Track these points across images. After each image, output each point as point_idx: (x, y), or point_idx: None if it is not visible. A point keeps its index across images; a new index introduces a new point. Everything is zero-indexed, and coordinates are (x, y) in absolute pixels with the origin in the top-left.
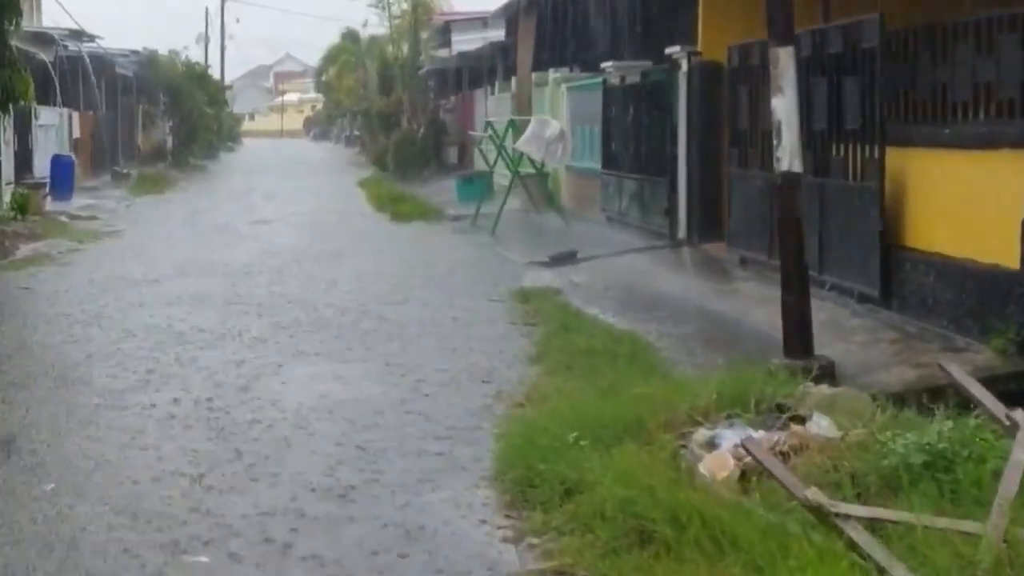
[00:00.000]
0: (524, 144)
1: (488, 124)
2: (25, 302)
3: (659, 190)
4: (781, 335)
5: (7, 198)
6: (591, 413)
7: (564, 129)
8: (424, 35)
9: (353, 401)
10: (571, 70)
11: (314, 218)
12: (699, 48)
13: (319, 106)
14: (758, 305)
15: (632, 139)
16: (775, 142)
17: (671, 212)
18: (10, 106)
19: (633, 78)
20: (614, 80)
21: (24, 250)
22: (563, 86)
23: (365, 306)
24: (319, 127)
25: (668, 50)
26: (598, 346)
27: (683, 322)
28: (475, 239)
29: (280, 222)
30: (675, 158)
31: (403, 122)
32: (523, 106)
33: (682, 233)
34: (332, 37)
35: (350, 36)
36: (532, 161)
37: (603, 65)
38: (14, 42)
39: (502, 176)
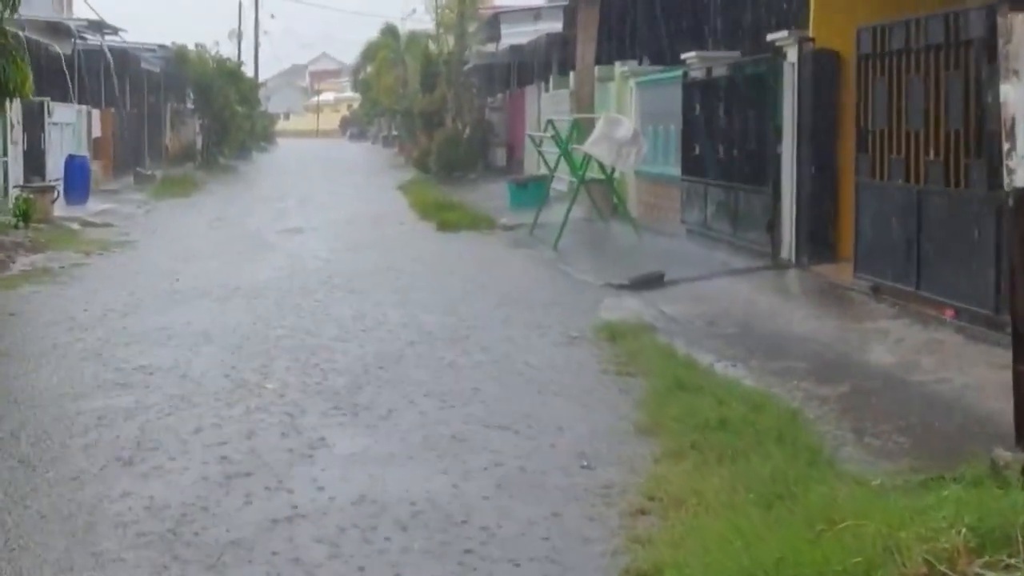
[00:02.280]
0: (592, 146)
1: (549, 123)
2: (4, 334)
3: (758, 200)
4: (975, 403)
5: (12, 204)
6: (767, 551)
7: (637, 129)
8: (471, 28)
9: (402, 503)
10: (640, 63)
11: (351, 227)
12: (811, 33)
13: (355, 105)
14: (926, 355)
15: (721, 141)
16: (1005, 146)
17: (774, 227)
18: (6, 101)
19: (720, 70)
20: (698, 73)
21: (21, 263)
22: (632, 81)
23: (414, 347)
24: (356, 127)
25: (772, 37)
26: (730, 415)
27: (831, 379)
28: (536, 254)
29: (313, 231)
30: (779, 163)
31: (447, 121)
32: (583, 104)
33: (787, 252)
34: (369, 34)
35: (389, 32)
36: (601, 165)
37: (684, 56)
38: (20, 32)
39: (558, 181)
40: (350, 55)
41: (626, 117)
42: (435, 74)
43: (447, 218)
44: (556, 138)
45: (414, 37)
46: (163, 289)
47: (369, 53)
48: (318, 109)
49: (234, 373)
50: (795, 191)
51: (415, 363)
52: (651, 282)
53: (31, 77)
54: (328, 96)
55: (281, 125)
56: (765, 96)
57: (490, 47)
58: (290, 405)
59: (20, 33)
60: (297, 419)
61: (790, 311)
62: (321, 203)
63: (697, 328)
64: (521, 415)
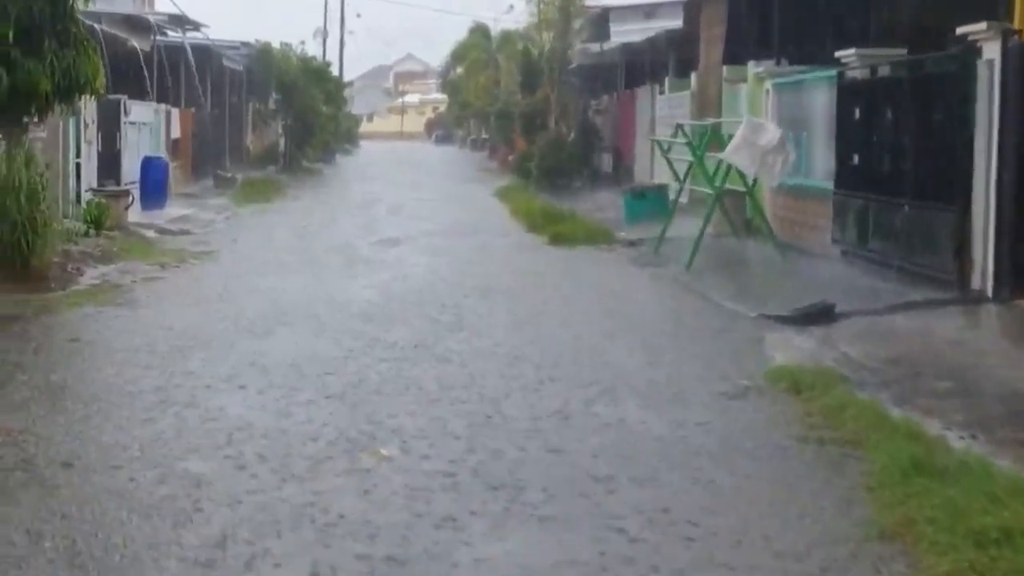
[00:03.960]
0: (733, 153)
1: (678, 128)
2: (63, 366)
3: (939, 220)
4: None
5: (84, 209)
6: None
7: (784, 135)
8: (576, 25)
9: None
10: (777, 62)
11: (452, 239)
12: (1016, 25)
13: (441, 108)
14: None
15: (889, 150)
16: None
17: (962, 252)
18: (76, 96)
19: (888, 70)
20: (858, 73)
21: (90, 276)
22: (768, 83)
23: (547, 402)
24: (442, 129)
25: (963, 30)
26: (1014, 522)
27: None
28: (666, 274)
29: (410, 243)
30: (969, 178)
31: (550, 124)
32: (707, 107)
33: (979, 282)
34: (457, 35)
35: (480, 31)
36: (741, 175)
37: (840, 55)
38: (96, 24)
39: (675, 191)
40: (436, 56)
41: (771, 122)
42: (536, 74)
43: (559, 231)
44: (692, 145)
45: (507, 36)
46: (247, 311)
47: (459, 53)
48: (402, 111)
49: (331, 428)
50: (993, 211)
51: (560, 424)
52: (819, 315)
53: (103, 72)
54: (413, 98)
55: (365, 127)
56: (951, 99)
57: (594, 46)
58: (414, 484)
59: (96, 26)
60: (428, 507)
61: (1013, 360)
62: (415, 211)
63: (899, 379)
64: (706, 511)
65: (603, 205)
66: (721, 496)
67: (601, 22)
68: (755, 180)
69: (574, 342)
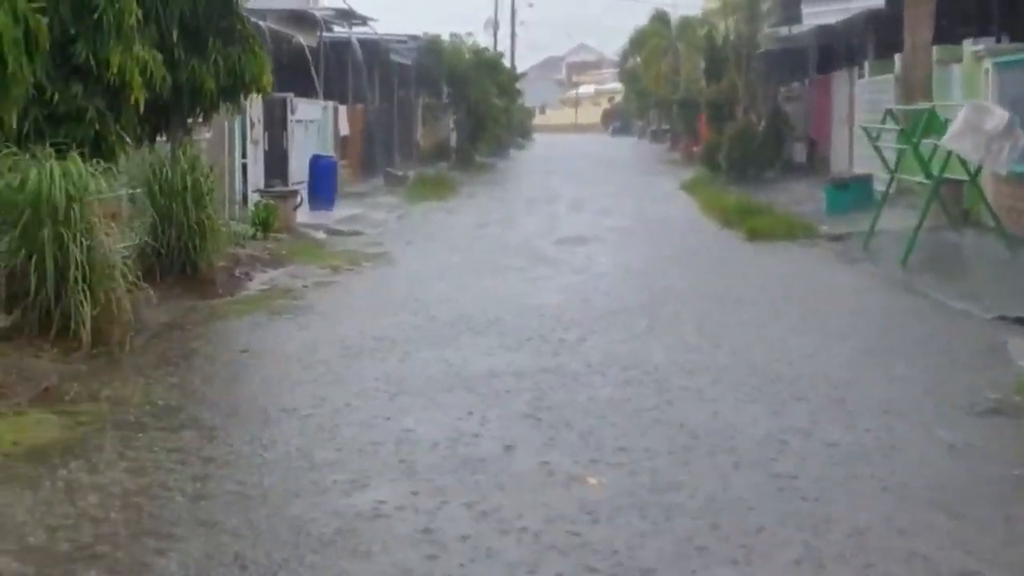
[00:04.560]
0: (955, 140)
1: (888, 113)
2: (234, 380)
3: None
4: None
5: (251, 211)
6: None
7: (1013, 119)
8: (764, 8)
9: None
10: (998, 40)
11: (641, 236)
12: None
13: (617, 98)
14: None
15: None
16: None
17: None
18: (241, 95)
19: None
20: None
21: (259, 281)
22: (987, 62)
23: (766, 424)
24: (619, 120)
25: None
26: None
27: None
28: (879, 272)
29: (597, 241)
30: None
31: (738, 113)
32: (915, 91)
33: None
34: (635, 22)
35: (659, 19)
36: (963, 163)
37: None
38: (261, 21)
39: (879, 181)
40: (610, 45)
41: (997, 106)
42: (721, 60)
43: (756, 225)
44: (902, 131)
45: (687, 22)
46: (428, 317)
47: (637, 41)
48: (576, 102)
49: (529, 449)
50: None
51: (783, 457)
52: None
53: (268, 69)
54: (587, 88)
55: (537, 119)
56: None
57: (783, 30)
58: (632, 531)
59: (261, 23)
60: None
61: None
62: (598, 206)
63: None
64: None
65: (799, 197)
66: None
67: (792, 4)
68: (979, 168)
69: (787, 351)
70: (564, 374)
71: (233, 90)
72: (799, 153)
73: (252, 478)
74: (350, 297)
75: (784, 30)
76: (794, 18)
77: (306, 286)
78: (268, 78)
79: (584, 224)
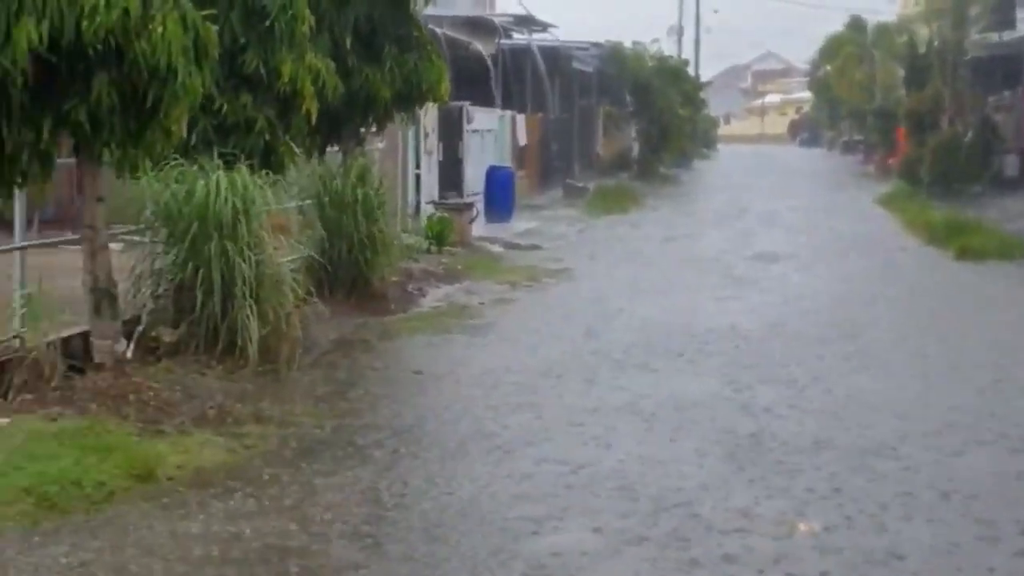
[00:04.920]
0: None
1: None
2: (408, 403)
3: None
4: None
5: (424, 223)
6: None
7: None
8: (973, 12)
9: None
10: None
11: (839, 254)
12: None
13: (805, 108)
14: None
15: None
16: None
17: None
18: (417, 104)
19: None
20: None
21: (433, 297)
22: None
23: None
24: (808, 131)
25: None
26: None
27: None
28: None
29: (790, 259)
30: None
31: (942, 124)
32: None
33: None
34: (824, 29)
35: (854, 25)
36: None
37: None
38: (438, 29)
39: None
40: (797, 53)
41: None
42: (923, 68)
43: (967, 244)
44: None
45: (884, 29)
46: (615, 339)
47: (829, 48)
48: (762, 112)
49: (731, 492)
50: None
51: None
52: None
53: (446, 76)
54: (773, 98)
55: (721, 130)
56: None
57: (992, 36)
58: None
59: (437, 30)
60: None
61: None
62: (790, 221)
63: None
64: None
65: (1012, 213)
66: None
67: (1004, 8)
68: None
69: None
70: (758, 407)
71: (408, 99)
72: (1010, 166)
73: (431, 516)
74: (530, 316)
75: (995, 36)
76: (1006, 23)
77: (483, 303)
78: (446, 86)
79: (776, 239)
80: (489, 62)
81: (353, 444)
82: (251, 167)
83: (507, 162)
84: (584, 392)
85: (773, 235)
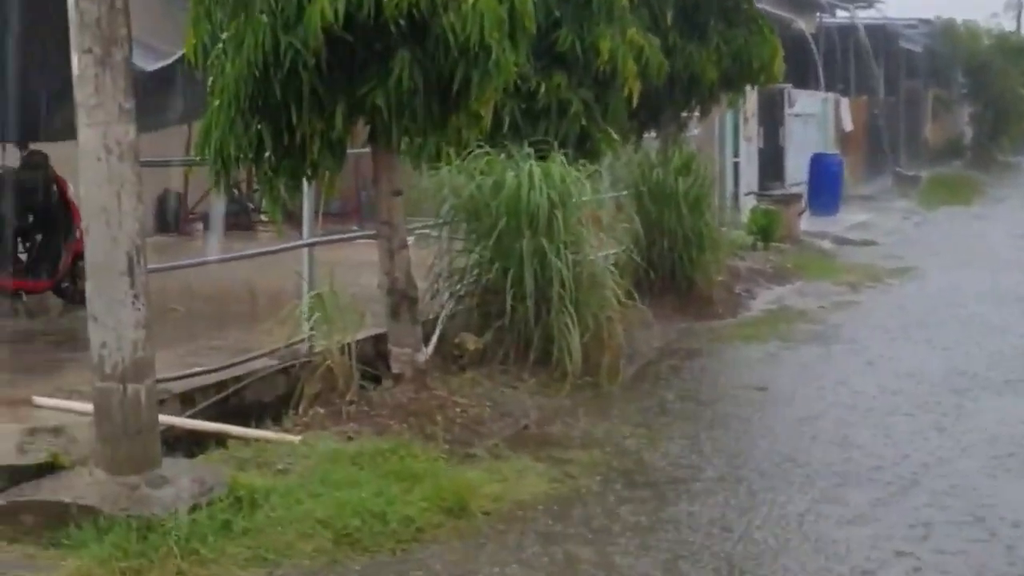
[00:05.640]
0: None
1: None
2: (753, 426)
3: None
4: None
5: (744, 216)
6: None
7: None
8: None
9: None
10: None
11: None
12: None
13: None
14: None
15: None
16: None
17: None
18: (745, 85)
19: None
20: None
21: (763, 300)
22: None
23: None
24: None
25: None
26: None
27: None
28: None
29: None
30: None
31: None
32: None
33: None
34: None
35: None
36: None
37: None
38: (760, 6)
39: None
40: None
41: None
42: None
43: None
44: None
45: None
46: (979, 351)
47: None
48: None
49: None
50: None
51: None
52: None
53: (780, 55)
54: None
55: None
56: None
57: None
58: None
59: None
60: None
61: None
62: None
63: None
64: None
65: None
66: None
67: None
68: None
69: None
70: None
71: (736, 79)
72: None
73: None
74: (878, 321)
75: None
76: None
77: (823, 307)
78: (780, 64)
79: None
80: (811, 41)
81: (696, 475)
82: (564, 155)
83: (830, 148)
84: (956, 416)
85: None
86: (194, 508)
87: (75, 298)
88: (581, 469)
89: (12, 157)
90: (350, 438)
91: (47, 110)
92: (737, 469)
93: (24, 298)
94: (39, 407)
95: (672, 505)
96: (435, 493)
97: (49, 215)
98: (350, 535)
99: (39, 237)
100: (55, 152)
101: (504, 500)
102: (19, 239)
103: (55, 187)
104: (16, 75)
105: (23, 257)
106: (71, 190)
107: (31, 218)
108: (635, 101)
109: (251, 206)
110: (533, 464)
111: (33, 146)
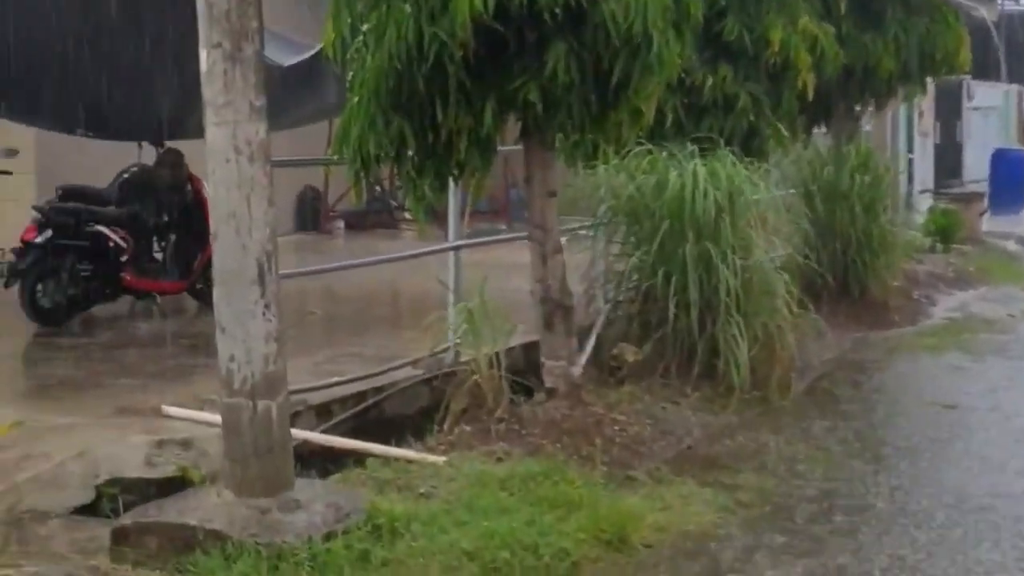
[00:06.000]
0: None
1: None
2: (947, 450)
3: None
4: None
5: (919, 216)
6: None
7: None
8: None
9: None
10: None
11: None
12: None
13: None
14: None
15: None
16: None
17: None
18: (927, 77)
19: None
20: None
21: (944, 307)
22: None
23: None
24: None
25: None
26: None
27: None
28: None
29: None
30: None
31: None
32: None
33: None
34: None
35: None
36: None
37: None
38: None
39: None
40: None
41: None
42: None
43: None
44: None
45: None
46: None
47: None
48: None
49: None
50: None
51: None
52: None
53: (966, 45)
54: None
55: None
56: None
57: None
58: None
59: None
60: None
61: None
62: None
63: None
64: None
65: None
66: None
67: None
68: None
69: None
70: None
71: (918, 70)
72: None
73: None
74: None
75: None
76: None
77: (1012, 315)
78: (966, 55)
79: None
80: (992, 29)
81: (885, 507)
82: (731, 153)
83: (1012, 143)
84: None
85: None
86: (329, 536)
87: (210, 300)
88: (752, 496)
89: (148, 155)
90: (499, 459)
91: (180, 108)
92: (933, 502)
93: (159, 299)
94: (169, 417)
95: (865, 547)
96: (592, 523)
97: (184, 214)
98: (499, 569)
99: (173, 237)
100: (191, 150)
101: (668, 531)
102: (154, 239)
103: (190, 186)
104: (148, 73)
105: (159, 257)
106: (206, 189)
107: (166, 217)
108: (810, 95)
109: (394, 203)
110: (699, 490)
111: (169, 144)
